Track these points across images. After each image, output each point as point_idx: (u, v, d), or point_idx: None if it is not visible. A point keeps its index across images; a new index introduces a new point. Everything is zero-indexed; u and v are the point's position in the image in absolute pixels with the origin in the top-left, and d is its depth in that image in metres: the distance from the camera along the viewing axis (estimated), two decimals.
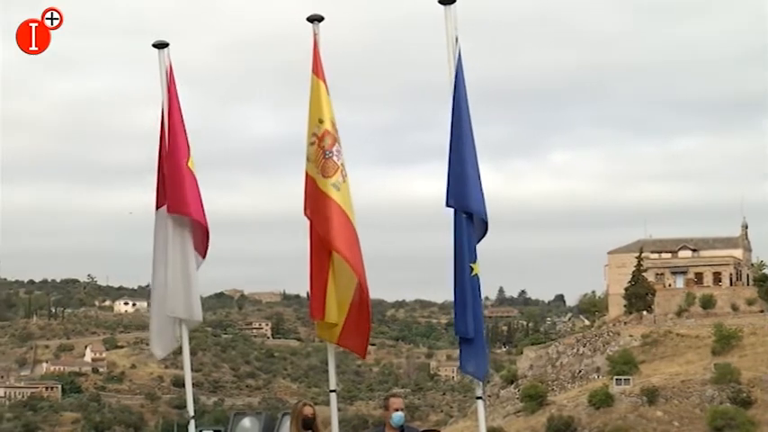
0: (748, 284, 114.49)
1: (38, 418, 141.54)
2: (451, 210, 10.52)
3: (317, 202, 11.01)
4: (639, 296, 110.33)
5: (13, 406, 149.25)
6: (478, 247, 10.55)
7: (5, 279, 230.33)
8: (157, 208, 11.75)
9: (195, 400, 12.53)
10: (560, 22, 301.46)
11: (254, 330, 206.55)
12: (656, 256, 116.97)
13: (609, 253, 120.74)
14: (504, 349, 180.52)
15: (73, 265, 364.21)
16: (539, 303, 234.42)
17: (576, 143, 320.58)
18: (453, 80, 10.64)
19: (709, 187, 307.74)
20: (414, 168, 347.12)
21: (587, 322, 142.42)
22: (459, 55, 10.64)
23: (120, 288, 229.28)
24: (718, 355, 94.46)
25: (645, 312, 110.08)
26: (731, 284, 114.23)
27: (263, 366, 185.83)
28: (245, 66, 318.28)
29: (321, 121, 11.15)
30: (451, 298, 10.60)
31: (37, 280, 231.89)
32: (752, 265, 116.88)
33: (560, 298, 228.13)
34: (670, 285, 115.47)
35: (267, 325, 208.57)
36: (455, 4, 10.69)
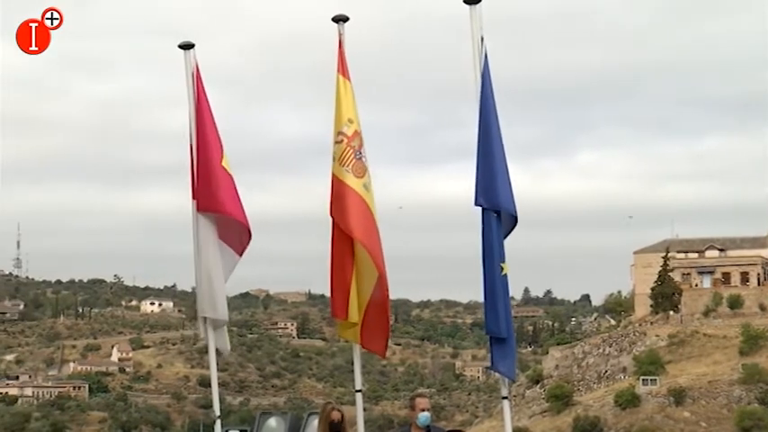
0: None
1: (65, 417, 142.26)
2: (478, 210, 10.50)
3: (346, 201, 11.00)
4: (666, 296, 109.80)
5: (41, 405, 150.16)
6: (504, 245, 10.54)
7: (33, 279, 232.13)
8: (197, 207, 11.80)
9: (221, 400, 12.54)
10: (587, 21, 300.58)
11: (280, 330, 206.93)
12: (682, 255, 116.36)
13: (635, 253, 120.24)
14: (530, 349, 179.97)
15: (100, 266, 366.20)
16: (564, 303, 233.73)
17: (602, 143, 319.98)
18: (479, 80, 10.63)
19: (737, 186, 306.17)
20: (438, 168, 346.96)
21: (613, 322, 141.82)
22: (485, 54, 10.62)
23: (147, 288, 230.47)
24: (746, 355, 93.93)
25: (671, 312, 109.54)
26: (759, 284, 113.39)
27: (289, 366, 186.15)
28: (270, 66, 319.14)
29: (351, 121, 11.16)
30: (477, 298, 10.69)
31: (64, 280, 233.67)
32: None
33: (586, 298, 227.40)
34: (697, 285, 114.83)
35: (293, 325, 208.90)
36: (480, 3, 10.67)
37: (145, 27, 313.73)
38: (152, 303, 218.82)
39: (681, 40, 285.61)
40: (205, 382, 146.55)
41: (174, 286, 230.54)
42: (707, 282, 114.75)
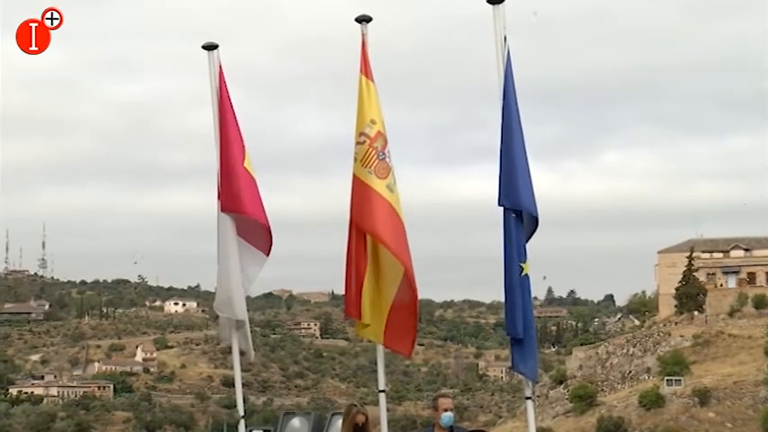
0: None
1: (90, 417, 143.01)
2: (501, 209, 10.48)
3: (368, 204, 10.95)
4: (690, 296, 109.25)
5: (66, 405, 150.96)
6: (527, 246, 10.50)
7: (58, 280, 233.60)
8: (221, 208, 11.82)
9: (245, 400, 12.58)
10: (611, 20, 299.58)
11: (303, 330, 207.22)
12: (707, 255, 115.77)
13: (659, 252, 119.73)
14: (553, 349, 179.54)
15: (124, 266, 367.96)
16: (588, 303, 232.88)
17: (627, 142, 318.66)
18: (503, 80, 10.60)
19: (762, 186, 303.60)
20: (462, 169, 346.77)
21: (637, 322, 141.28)
22: (509, 55, 10.59)
23: (170, 288, 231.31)
24: None
25: (696, 312, 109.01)
26: None
27: (312, 366, 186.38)
28: (293, 67, 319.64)
29: (374, 122, 11.12)
30: (500, 298, 10.57)
31: (89, 280, 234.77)
32: None
33: (610, 298, 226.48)
34: (722, 285, 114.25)
35: (316, 325, 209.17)
36: (503, 3, 10.65)
37: (172, 28, 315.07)
38: (176, 304, 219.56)
39: (706, 40, 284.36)
40: (229, 383, 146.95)
41: (197, 286, 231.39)
42: (732, 282, 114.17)
